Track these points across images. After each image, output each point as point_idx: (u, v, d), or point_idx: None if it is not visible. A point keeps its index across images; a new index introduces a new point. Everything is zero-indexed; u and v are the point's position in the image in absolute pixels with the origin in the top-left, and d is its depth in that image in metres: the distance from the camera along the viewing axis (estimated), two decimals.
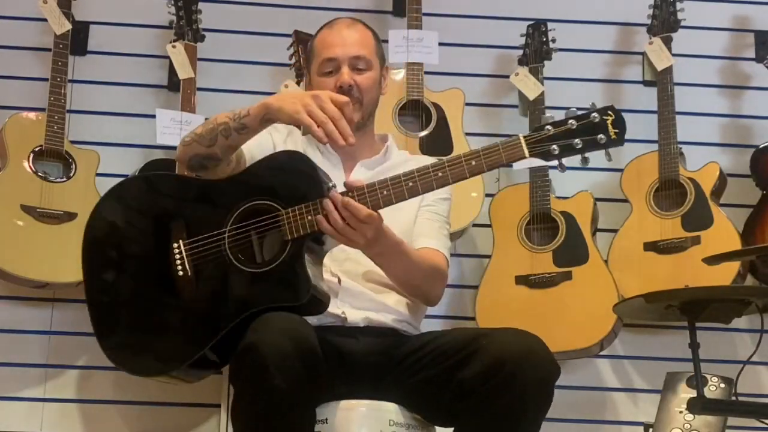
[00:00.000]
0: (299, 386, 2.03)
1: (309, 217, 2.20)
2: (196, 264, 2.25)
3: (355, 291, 2.42)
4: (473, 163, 2.16)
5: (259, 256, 2.27)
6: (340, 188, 2.28)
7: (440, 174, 2.18)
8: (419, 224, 2.50)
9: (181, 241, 2.27)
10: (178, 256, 2.26)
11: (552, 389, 2.15)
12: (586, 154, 2.12)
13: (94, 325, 2.31)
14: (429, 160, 2.70)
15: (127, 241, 2.35)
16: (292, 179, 2.27)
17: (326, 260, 2.34)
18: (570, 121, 2.10)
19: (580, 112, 2.12)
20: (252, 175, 2.32)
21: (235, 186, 2.31)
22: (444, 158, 2.21)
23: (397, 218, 2.38)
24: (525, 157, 2.12)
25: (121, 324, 2.30)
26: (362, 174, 2.52)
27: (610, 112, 2.12)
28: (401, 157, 2.66)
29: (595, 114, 2.11)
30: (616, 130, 2.11)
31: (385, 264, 2.37)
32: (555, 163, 2.13)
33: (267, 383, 2.00)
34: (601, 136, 2.10)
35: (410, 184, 2.19)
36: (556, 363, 2.16)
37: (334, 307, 2.38)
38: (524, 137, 2.13)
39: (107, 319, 2.31)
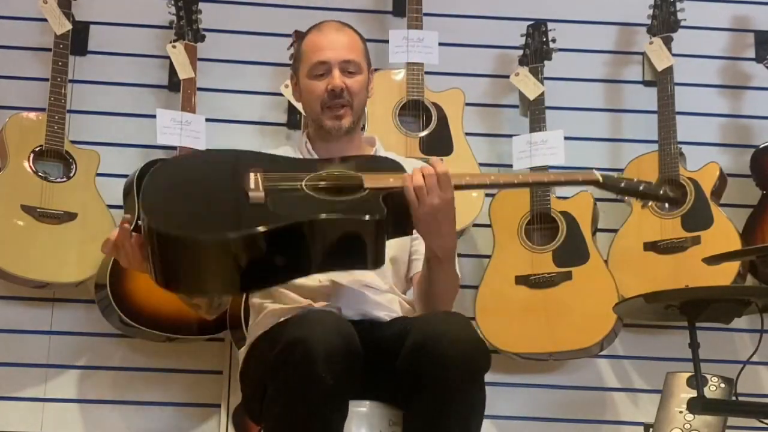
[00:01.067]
0: (343, 383, 2.06)
1: (391, 179, 2.24)
2: (269, 186, 2.22)
3: (348, 291, 2.41)
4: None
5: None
6: None
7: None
8: (420, 242, 2.45)
9: (259, 172, 2.25)
10: (252, 179, 2.23)
11: (477, 370, 2.14)
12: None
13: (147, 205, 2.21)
14: (418, 163, 2.72)
15: (201, 172, 2.34)
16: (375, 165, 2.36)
17: (316, 274, 2.31)
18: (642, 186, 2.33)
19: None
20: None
21: (319, 160, 2.42)
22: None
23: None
24: (598, 180, 2.29)
25: (181, 200, 2.24)
26: None
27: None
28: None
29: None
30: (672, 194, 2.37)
31: (440, 273, 2.37)
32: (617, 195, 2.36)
33: (314, 377, 2.02)
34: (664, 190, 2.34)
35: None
36: (483, 344, 2.17)
37: (329, 307, 2.37)
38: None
39: (169, 195, 2.25)
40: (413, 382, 2.15)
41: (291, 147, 2.66)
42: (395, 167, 2.35)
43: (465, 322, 2.19)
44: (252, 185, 2.22)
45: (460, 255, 3.41)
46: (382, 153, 2.64)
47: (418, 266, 2.47)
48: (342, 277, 2.42)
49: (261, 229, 2.11)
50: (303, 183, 2.26)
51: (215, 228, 2.16)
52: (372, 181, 2.25)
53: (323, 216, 2.14)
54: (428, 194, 2.24)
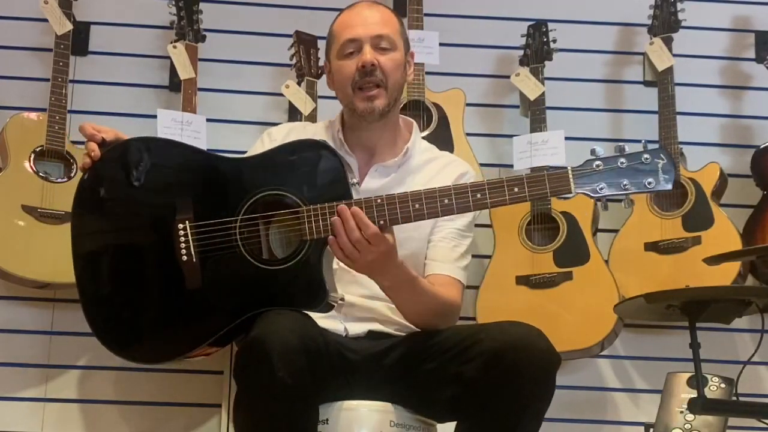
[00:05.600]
0: (303, 381, 2.01)
1: (333, 219, 2.11)
2: (202, 250, 2.14)
3: (359, 306, 2.37)
4: (516, 189, 2.07)
5: (274, 250, 2.18)
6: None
7: (479, 195, 2.09)
8: (434, 246, 2.40)
9: (187, 222, 2.15)
10: (183, 240, 2.14)
11: (553, 378, 2.13)
12: (631, 196, 2.08)
13: (84, 307, 2.19)
14: (455, 161, 2.55)
15: (124, 214, 2.21)
16: (315, 172, 2.16)
17: None
18: (620, 160, 2.06)
19: (630, 151, 2.07)
20: (271, 161, 2.21)
21: (253, 170, 2.20)
22: (484, 180, 2.12)
23: (410, 231, 2.30)
24: (570, 193, 2.05)
25: (114, 307, 2.19)
26: (375, 182, 2.40)
27: (662, 155, 2.06)
28: (423, 156, 2.50)
29: (646, 156, 2.06)
30: (666, 176, 2.05)
31: (397, 298, 2.28)
32: (599, 198, 2.08)
33: (271, 376, 1.98)
34: (650, 180, 2.06)
35: (445, 201, 2.09)
36: (556, 352, 2.14)
37: (337, 323, 2.35)
38: (572, 171, 2.06)
39: (99, 301, 2.20)
40: (484, 387, 2.11)
41: (323, 129, 2.51)
42: (334, 174, 2.14)
43: (539, 332, 2.15)
44: (183, 251, 2.13)
45: None
46: (416, 150, 2.47)
47: (428, 270, 2.38)
48: (354, 290, 2.38)
49: (205, 343, 2.13)
50: (238, 237, 2.14)
51: (158, 353, 2.19)
52: (312, 227, 2.10)
53: (265, 309, 2.11)
54: (361, 255, 2.10)
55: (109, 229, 2.23)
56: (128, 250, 2.21)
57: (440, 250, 2.39)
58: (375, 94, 2.35)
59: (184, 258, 2.15)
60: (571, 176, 2.06)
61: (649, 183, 2.06)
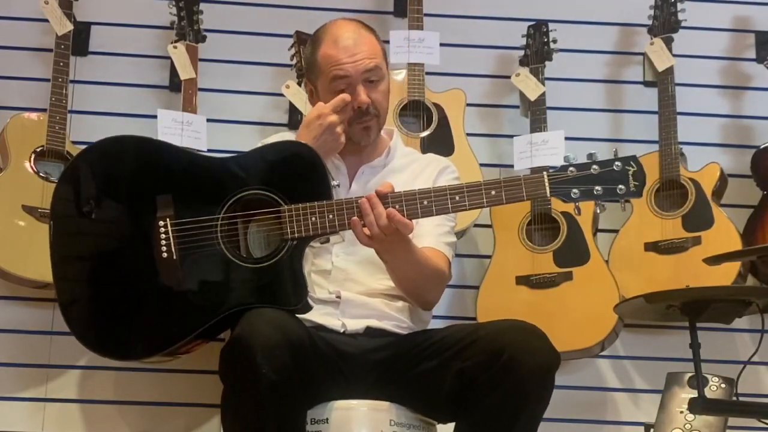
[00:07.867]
0: (288, 377, 2.02)
1: (313, 219, 2.16)
2: (182, 247, 2.17)
3: (356, 302, 2.40)
4: (493, 192, 2.17)
5: (254, 249, 2.22)
6: (342, 189, 2.26)
7: (458, 198, 2.18)
8: (418, 224, 2.43)
9: (168, 219, 2.18)
10: (163, 236, 2.18)
11: (552, 377, 2.15)
12: (603, 202, 2.18)
13: (62, 306, 2.23)
14: (436, 159, 2.66)
15: (103, 210, 2.24)
16: (296, 172, 2.22)
17: (324, 282, 2.33)
18: (593, 166, 2.15)
19: (602, 159, 2.16)
20: (253, 161, 2.26)
21: (233, 170, 2.24)
22: (463, 184, 2.22)
23: None
24: (546, 197, 2.15)
25: (92, 302, 2.23)
26: (363, 182, 2.50)
27: (632, 163, 2.16)
28: (405, 158, 2.61)
29: (618, 163, 2.16)
30: (636, 183, 2.15)
31: (391, 260, 2.33)
32: (572, 203, 2.19)
33: (255, 373, 2.00)
34: (621, 186, 2.16)
35: (425, 202, 2.19)
36: (556, 351, 2.17)
37: (334, 320, 2.36)
38: (548, 176, 2.15)
39: (75, 296, 2.23)
40: (483, 384, 2.14)
41: None
42: (316, 176, 2.22)
43: (539, 331, 2.18)
44: (163, 248, 2.16)
45: (461, 255, 3.41)
46: (397, 151, 2.59)
47: (419, 243, 2.43)
48: (351, 287, 2.40)
49: (182, 341, 2.16)
50: (219, 235, 2.17)
51: (139, 346, 2.22)
52: (294, 226, 2.16)
53: (245, 306, 2.13)
54: (386, 238, 2.19)
55: (89, 228, 2.26)
56: (109, 248, 2.24)
57: (424, 227, 2.45)
58: (371, 125, 2.45)
59: (164, 255, 2.17)
60: (546, 181, 2.15)
61: (620, 189, 2.16)
